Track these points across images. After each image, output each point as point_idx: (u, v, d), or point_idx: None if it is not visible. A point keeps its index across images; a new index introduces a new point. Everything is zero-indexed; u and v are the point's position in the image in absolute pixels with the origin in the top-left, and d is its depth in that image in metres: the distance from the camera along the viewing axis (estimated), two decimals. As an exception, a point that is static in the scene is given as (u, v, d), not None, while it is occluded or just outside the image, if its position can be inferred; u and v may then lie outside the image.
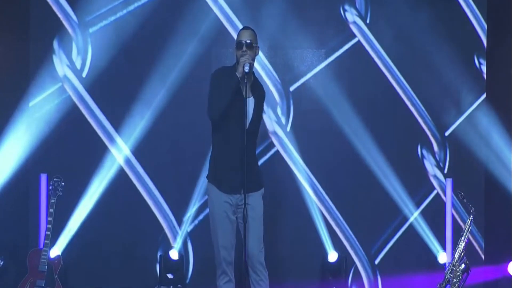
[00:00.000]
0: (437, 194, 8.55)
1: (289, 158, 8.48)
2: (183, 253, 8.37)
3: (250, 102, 6.36)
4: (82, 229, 8.28)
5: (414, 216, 8.46)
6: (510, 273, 8.20)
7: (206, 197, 8.45)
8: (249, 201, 6.31)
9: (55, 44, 8.36)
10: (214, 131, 6.44)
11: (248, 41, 6.33)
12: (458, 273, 6.79)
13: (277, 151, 8.47)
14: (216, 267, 6.45)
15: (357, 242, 8.53)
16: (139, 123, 8.38)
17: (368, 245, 8.55)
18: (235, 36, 8.36)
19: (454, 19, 8.55)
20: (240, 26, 8.35)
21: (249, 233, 6.34)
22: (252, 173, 6.38)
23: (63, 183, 7.55)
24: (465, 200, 6.97)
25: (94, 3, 8.36)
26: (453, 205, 8.30)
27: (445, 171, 8.57)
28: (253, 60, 6.37)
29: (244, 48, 6.32)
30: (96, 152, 8.36)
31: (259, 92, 6.47)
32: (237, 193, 6.37)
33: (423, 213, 8.49)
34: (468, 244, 6.91)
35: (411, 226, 8.48)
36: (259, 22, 7.86)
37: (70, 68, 8.38)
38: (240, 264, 6.73)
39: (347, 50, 8.55)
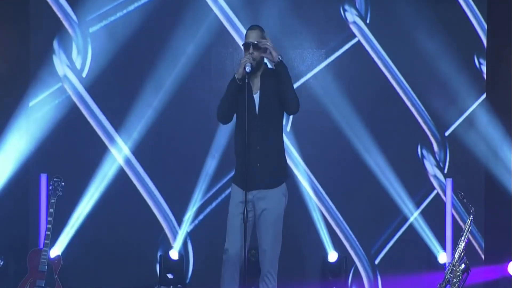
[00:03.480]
0: (437, 194, 8.55)
1: (289, 158, 8.48)
2: (183, 253, 8.37)
3: (257, 98, 6.35)
4: (82, 229, 8.28)
5: (414, 216, 8.46)
6: (510, 273, 8.20)
7: (207, 197, 8.50)
8: (266, 200, 6.29)
9: (55, 44, 8.36)
10: (235, 132, 6.47)
11: (254, 42, 6.32)
12: (458, 273, 6.79)
13: (277, 151, 8.46)
14: (223, 262, 6.43)
15: (357, 242, 8.53)
16: (139, 123, 8.39)
17: (368, 245, 8.55)
18: (235, 36, 8.36)
19: (454, 19, 8.55)
20: (240, 26, 8.36)
21: (261, 233, 6.32)
22: (269, 169, 6.32)
23: (63, 183, 7.54)
24: (465, 200, 6.97)
25: (94, 3, 8.36)
26: (453, 205, 8.30)
27: (445, 171, 8.57)
28: (262, 58, 6.35)
29: (251, 50, 6.31)
30: (96, 152, 8.36)
31: (273, 84, 6.38)
32: (252, 189, 6.31)
33: (423, 213, 8.50)
34: (468, 244, 6.90)
35: (411, 226, 8.48)
36: (259, 22, 7.83)
37: (70, 68, 8.38)
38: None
39: (347, 50, 8.56)
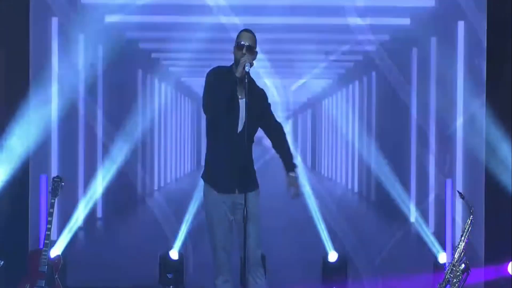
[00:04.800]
0: (437, 194, 8.55)
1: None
2: (183, 253, 8.37)
3: (242, 103, 6.36)
4: (82, 229, 8.29)
5: (414, 216, 8.47)
6: (510, 273, 8.20)
7: (207, 197, 8.49)
8: (247, 199, 6.30)
9: (55, 44, 8.36)
10: (209, 131, 6.44)
11: (251, 45, 6.32)
12: (458, 273, 6.78)
13: (277, 151, 8.46)
14: (214, 267, 6.44)
15: (357, 242, 8.54)
16: (139, 123, 8.39)
17: (368, 245, 8.55)
18: (235, 37, 8.37)
19: (454, 19, 8.55)
20: (241, 27, 8.36)
21: (250, 231, 6.33)
22: (248, 174, 6.36)
23: (63, 183, 7.54)
24: (465, 200, 6.96)
25: (95, 3, 8.36)
26: (453, 205, 8.30)
27: (445, 171, 8.57)
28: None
29: (244, 51, 6.31)
30: (96, 152, 8.37)
31: (255, 94, 6.42)
32: (232, 193, 6.35)
33: (423, 213, 8.50)
34: (468, 244, 6.90)
35: (411, 226, 8.49)
36: (260, 22, 7.87)
37: (70, 68, 8.38)
38: (238, 264, 6.73)
39: (347, 50, 8.56)
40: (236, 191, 6.32)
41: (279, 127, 6.54)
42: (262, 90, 6.56)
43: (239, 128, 6.29)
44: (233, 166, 6.28)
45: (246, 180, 6.31)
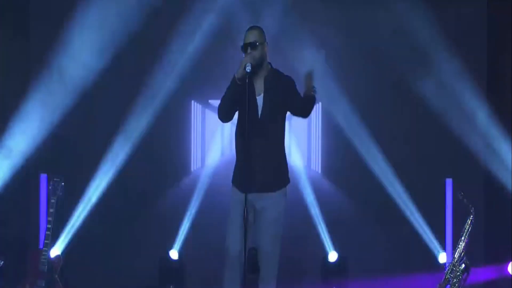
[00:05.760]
0: (437, 194, 8.55)
1: (289, 158, 8.49)
2: (183, 253, 8.37)
3: (260, 100, 6.30)
4: (82, 229, 8.29)
5: (414, 216, 8.46)
6: (510, 273, 8.20)
7: (207, 197, 8.50)
8: (265, 201, 6.26)
9: (55, 44, 8.36)
10: (236, 131, 6.43)
11: (251, 41, 6.27)
12: (458, 273, 6.79)
13: (277, 151, 8.47)
14: (224, 263, 6.41)
15: (357, 242, 8.53)
16: (139, 122, 8.39)
17: (368, 245, 8.55)
18: (236, 35, 8.36)
19: (454, 18, 8.55)
20: (242, 26, 8.35)
21: (261, 233, 6.29)
22: (270, 173, 6.29)
23: (63, 183, 7.54)
24: (465, 200, 6.97)
25: (95, 4, 8.36)
26: (453, 205, 8.30)
27: (446, 171, 8.57)
28: (263, 58, 6.28)
29: (249, 50, 6.27)
30: (96, 152, 8.37)
31: (279, 86, 6.33)
32: (250, 192, 6.26)
33: (423, 213, 8.50)
34: (468, 244, 6.91)
35: (411, 226, 8.48)
36: (260, 23, 7.84)
37: (70, 68, 8.38)
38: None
39: (347, 49, 8.56)
40: (257, 190, 6.24)
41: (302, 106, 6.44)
42: (288, 78, 6.41)
43: (258, 126, 6.22)
44: (250, 165, 6.21)
45: (264, 179, 6.25)
